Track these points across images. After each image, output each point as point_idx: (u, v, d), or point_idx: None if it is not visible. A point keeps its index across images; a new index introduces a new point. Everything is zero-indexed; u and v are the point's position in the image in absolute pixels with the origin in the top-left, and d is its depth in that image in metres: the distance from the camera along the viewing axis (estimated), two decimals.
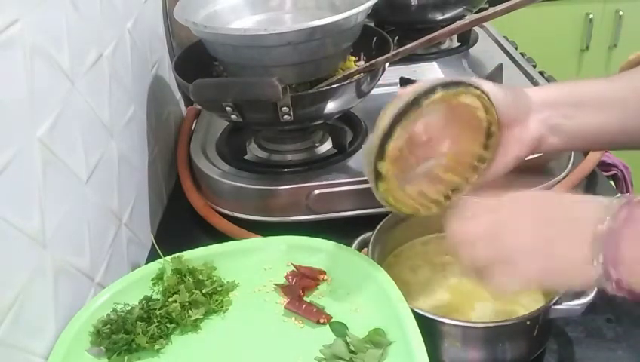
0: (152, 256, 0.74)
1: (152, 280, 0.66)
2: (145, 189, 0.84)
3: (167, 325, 0.60)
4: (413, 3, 1.08)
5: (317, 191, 0.80)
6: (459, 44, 1.15)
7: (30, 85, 0.54)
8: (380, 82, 0.85)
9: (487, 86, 0.58)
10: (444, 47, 1.15)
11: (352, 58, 0.91)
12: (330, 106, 0.79)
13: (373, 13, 0.79)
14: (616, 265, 0.43)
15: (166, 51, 1.01)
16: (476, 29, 1.19)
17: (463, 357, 0.58)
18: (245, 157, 0.87)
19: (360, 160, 0.84)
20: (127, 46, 0.80)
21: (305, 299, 0.62)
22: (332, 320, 0.59)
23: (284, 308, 0.61)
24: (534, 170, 0.77)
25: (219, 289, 0.64)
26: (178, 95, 1.06)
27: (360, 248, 0.66)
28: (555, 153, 0.80)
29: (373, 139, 0.55)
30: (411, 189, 0.59)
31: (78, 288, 0.62)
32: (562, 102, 0.60)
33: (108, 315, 0.60)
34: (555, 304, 0.56)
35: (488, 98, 0.56)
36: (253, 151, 0.89)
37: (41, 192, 0.55)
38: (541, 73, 1.03)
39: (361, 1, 0.75)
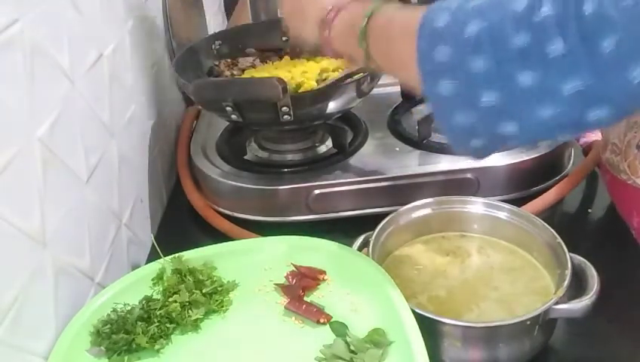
0: (152, 256, 0.74)
1: (152, 280, 0.66)
2: (145, 189, 0.84)
3: (167, 325, 0.60)
4: (413, 1, 1.08)
5: (317, 191, 0.80)
6: None
7: (30, 85, 0.54)
8: (380, 82, 0.85)
9: None
10: None
11: None
12: (331, 106, 0.79)
13: None
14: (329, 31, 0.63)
15: (166, 51, 1.01)
16: None
17: (463, 357, 0.58)
18: (245, 157, 0.87)
19: (360, 160, 0.85)
20: (127, 46, 0.80)
21: (305, 299, 0.62)
22: (332, 320, 0.59)
23: (284, 308, 0.61)
24: None
25: (219, 289, 0.63)
26: (178, 95, 1.06)
27: (360, 248, 0.66)
28: None
29: None
30: None
31: (78, 288, 0.62)
32: None
33: (108, 315, 0.60)
34: (555, 304, 0.56)
35: None
36: (253, 151, 0.89)
37: (41, 192, 0.55)
38: None
39: None
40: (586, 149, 0.90)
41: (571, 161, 0.87)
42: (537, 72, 0.43)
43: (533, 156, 0.81)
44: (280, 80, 0.71)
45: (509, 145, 0.51)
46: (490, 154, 0.52)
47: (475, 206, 0.70)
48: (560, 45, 0.41)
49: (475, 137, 0.49)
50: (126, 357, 0.57)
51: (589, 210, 0.82)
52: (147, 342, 0.58)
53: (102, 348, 0.58)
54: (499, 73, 0.44)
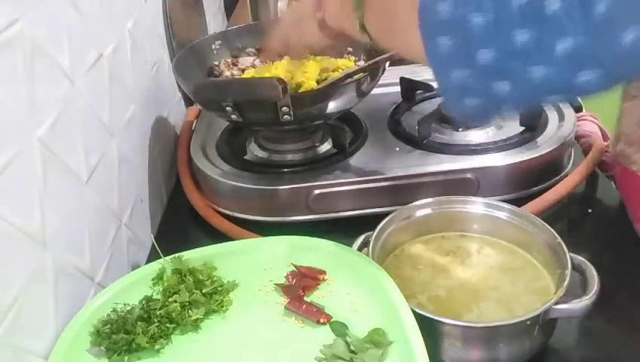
0: (152, 256, 0.74)
1: (152, 280, 0.66)
2: (145, 189, 0.84)
3: (168, 325, 0.60)
4: None
5: (317, 191, 0.80)
6: None
7: (30, 85, 0.54)
8: (380, 82, 0.85)
9: None
10: None
11: (352, 58, 0.92)
12: (330, 106, 0.79)
13: None
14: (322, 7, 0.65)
15: (166, 51, 1.01)
16: None
17: (463, 357, 0.58)
18: (245, 157, 0.87)
19: (360, 160, 0.85)
20: (127, 46, 0.80)
21: (305, 299, 0.62)
22: (332, 320, 0.59)
23: (284, 308, 0.61)
24: None
25: (219, 289, 0.63)
26: (178, 95, 1.06)
27: (360, 248, 0.66)
28: None
29: None
30: None
31: (78, 288, 0.62)
32: None
33: (108, 315, 0.60)
34: (555, 304, 0.56)
35: None
36: (254, 151, 0.89)
37: (41, 192, 0.55)
38: None
39: None
40: (586, 149, 0.90)
41: (571, 161, 0.87)
42: (533, 30, 0.43)
43: (533, 156, 0.81)
44: (280, 80, 0.71)
45: (504, 108, 0.51)
46: (485, 117, 0.53)
47: (475, 206, 0.70)
48: (557, 4, 0.42)
49: (469, 96, 0.49)
50: (126, 357, 0.57)
51: (589, 210, 0.82)
52: (147, 342, 0.58)
53: (102, 348, 0.58)
54: (496, 30, 0.45)
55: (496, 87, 0.47)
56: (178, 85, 1.00)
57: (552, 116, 0.89)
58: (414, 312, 0.56)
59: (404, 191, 0.79)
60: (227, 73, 0.93)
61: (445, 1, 0.47)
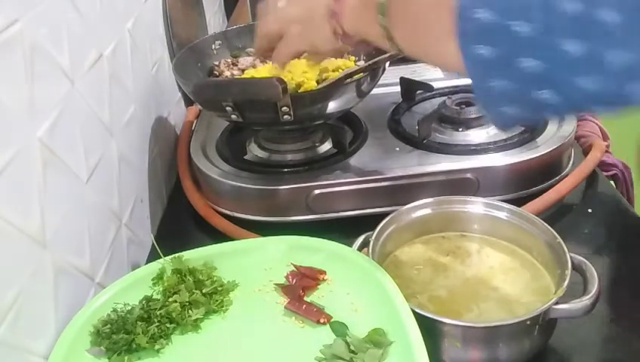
0: (152, 256, 0.74)
1: (152, 280, 0.66)
2: (145, 189, 0.84)
3: (168, 325, 0.60)
4: None
5: (317, 191, 0.80)
6: None
7: (30, 85, 0.54)
8: (380, 82, 0.85)
9: None
10: None
11: (352, 58, 0.92)
12: (331, 106, 0.79)
13: None
14: (339, 15, 0.63)
15: (166, 51, 1.01)
16: None
17: (463, 357, 0.58)
18: (245, 157, 0.87)
19: (360, 160, 0.85)
20: (127, 46, 0.80)
21: (305, 299, 0.62)
22: (332, 320, 0.59)
23: (285, 308, 0.61)
24: None
25: (219, 289, 0.63)
26: (178, 95, 1.06)
27: (360, 248, 0.66)
28: None
29: None
30: None
31: (78, 288, 0.62)
32: None
33: (108, 315, 0.60)
34: (555, 304, 0.56)
35: None
36: (254, 151, 0.89)
37: (41, 192, 0.55)
38: None
39: None
40: (586, 149, 0.90)
41: (571, 161, 0.87)
42: (586, 40, 0.41)
43: (533, 156, 0.81)
44: (280, 80, 0.71)
45: (544, 116, 0.48)
46: (523, 123, 0.49)
47: (475, 206, 0.70)
48: (614, 15, 0.39)
49: (509, 104, 0.47)
50: (126, 357, 0.57)
51: (589, 210, 0.82)
52: (147, 342, 0.58)
53: (102, 348, 0.58)
54: (545, 40, 0.42)
55: (540, 97, 0.44)
56: (178, 85, 1.00)
57: None
58: (414, 312, 0.56)
59: (404, 191, 0.79)
60: (227, 73, 0.93)
61: (486, 7, 0.44)
